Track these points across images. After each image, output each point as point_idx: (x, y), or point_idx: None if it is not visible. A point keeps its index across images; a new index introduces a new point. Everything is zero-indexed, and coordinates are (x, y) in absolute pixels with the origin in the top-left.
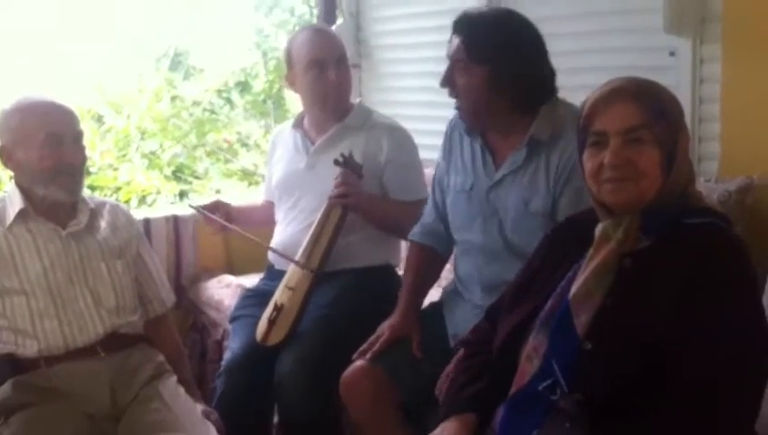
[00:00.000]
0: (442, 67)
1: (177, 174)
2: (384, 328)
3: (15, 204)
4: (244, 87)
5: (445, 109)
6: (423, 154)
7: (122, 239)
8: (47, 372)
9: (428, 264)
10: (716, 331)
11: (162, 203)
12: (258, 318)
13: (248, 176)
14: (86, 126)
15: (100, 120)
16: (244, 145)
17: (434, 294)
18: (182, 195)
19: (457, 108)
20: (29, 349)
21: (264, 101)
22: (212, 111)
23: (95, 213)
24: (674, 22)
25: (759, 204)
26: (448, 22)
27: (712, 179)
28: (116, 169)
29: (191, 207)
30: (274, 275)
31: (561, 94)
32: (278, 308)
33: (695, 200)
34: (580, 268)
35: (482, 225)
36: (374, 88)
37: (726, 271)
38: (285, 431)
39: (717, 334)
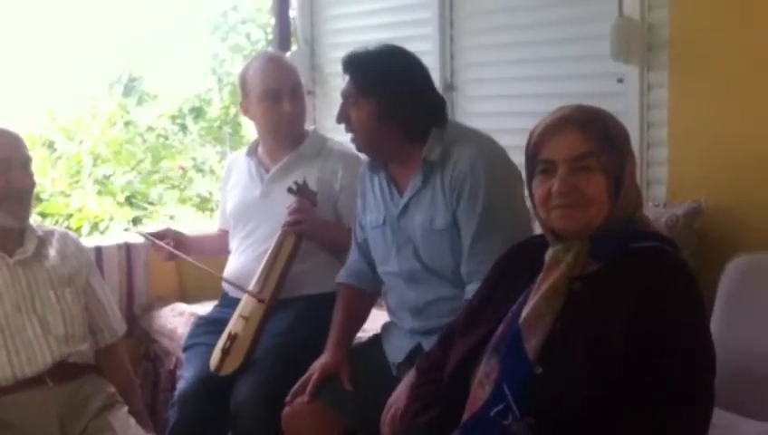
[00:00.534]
0: None
1: (131, 200)
2: (314, 368)
3: None
4: (198, 113)
5: None
6: None
7: (72, 268)
8: None
9: (356, 303)
10: (664, 354)
11: (115, 230)
12: (212, 346)
13: (203, 203)
14: (37, 153)
15: (51, 146)
16: (200, 171)
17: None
18: (135, 221)
19: (352, 141)
20: None
21: (220, 127)
22: (166, 138)
23: (43, 241)
24: (621, 49)
25: (706, 228)
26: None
27: (660, 204)
28: (68, 196)
29: (139, 234)
30: (229, 303)
31: (512, 121)
32: (232, 338)
33: (642, 225)
34: (531, 292)
35: (398, 254)
36: (329, 115)
37: (672, 295)
38: None
39: (665, 357)
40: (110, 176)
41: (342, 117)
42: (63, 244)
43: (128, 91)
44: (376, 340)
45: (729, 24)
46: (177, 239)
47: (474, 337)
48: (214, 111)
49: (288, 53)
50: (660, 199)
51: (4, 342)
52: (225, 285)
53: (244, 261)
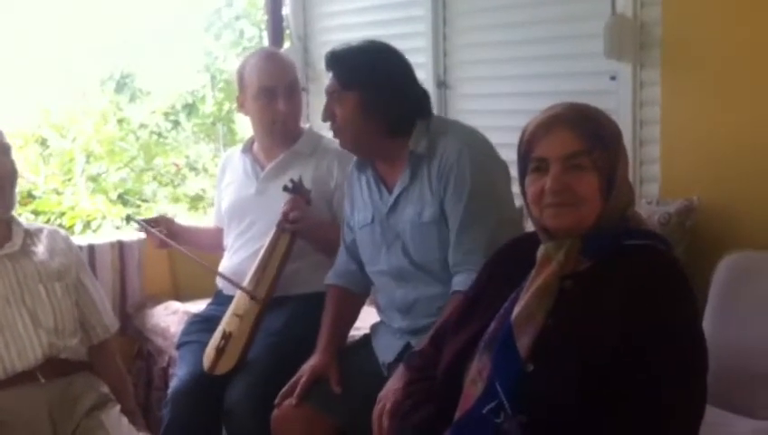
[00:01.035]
0: None
1: (124, 198)
2: (304, 370)
3: None
4: (191, 110)
5: None
6: None
7: (61, 264)
8: None
9: (344, 304)
10: (656, 352)
11: (107, 228)
12: (205, 344)
13: (196, 201)
14: (29, 150)
15: (44, 143)
16: (193, 169)
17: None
18: (128, 220)
19: (337, 137)
20: None
21: (213, 124)
22: (159, 135)
23: (30, 235)
24: (614, 47)
25: (699, 226)
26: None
27: (653, 202)
28: (60, 194)
29: (132, 219)
30: (222, 300)
31: (505, 119)
32: (226, 336)
33: (634, 223)
34: (523, 290)
35: (387, 252)
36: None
37: (665, 292)
38: None
39: (657, 355)
40: (102, 174)
41: (327, 114)
42: (52, 240)
43: (120, 88)
44: (365, 340)
45: (721, 21)
46: (169, 228)
47: (466, 334)
48: (207, 108)
49: (281, 50)
50: (653, 197)
51: None
52: (220, 283)
53: (239, 258)
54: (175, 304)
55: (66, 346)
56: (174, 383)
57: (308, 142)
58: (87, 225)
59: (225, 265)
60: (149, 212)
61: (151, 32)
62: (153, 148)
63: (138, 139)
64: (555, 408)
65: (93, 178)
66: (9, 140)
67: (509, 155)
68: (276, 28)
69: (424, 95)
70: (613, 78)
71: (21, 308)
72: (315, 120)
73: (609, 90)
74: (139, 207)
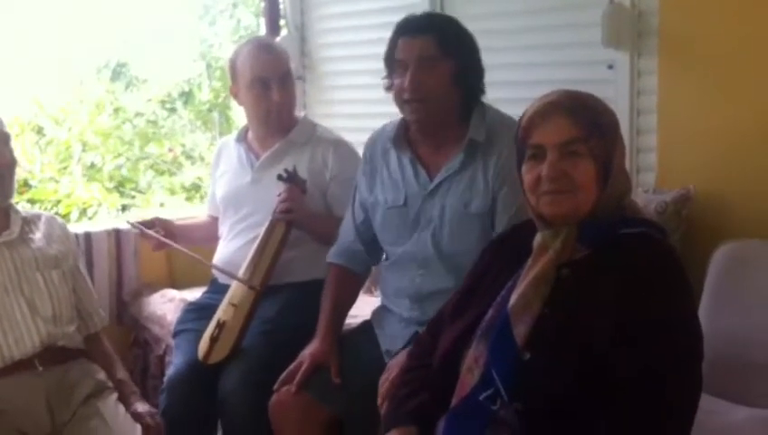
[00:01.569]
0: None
1: (120, 188)
2: (304, 356)
3: None
4: (188, 98)
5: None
6: None
7: (58, 251)
8: None
9: (346, 284)
10: (651, 340)
11: (103, 216)
12: (201, 332)
13: (192, 190)
14: (26, 138)
15: (40, 131)
16: (189, 157)
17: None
18: (124, 208)
19: (414, 111)
20: None
21: (210, 111)
22: (155, 123)
23: (28, 222)
24: (612, 36)
25: (695, 215)
26: None
27: (649, 190)
28: (57, 182)
29: (128, 223)
30: (218, 289)
31: (503, 108)
32: (220, 325)
33: (631, 211)
34: (520, 278)
35: (416, 237)
36: (319, 100)
37: (660, 281)
38: None
39: (653, 343)
40: (97, 163)
41: (416, 82)
42: (50, 227)
43: (116, 76)
44: (364, 327)
45: (719, 10)
46: (166, 228)
47: (463, 322)
48: (203, 96)
49: (278, 39)
50: (649, 186)
51: None
52: (215, 272)
53: (234, 247)
54: (171, 292)
55: (64, 333)
56: (170, 371)
57: (303, 131)
58: (83, 213)
59: (220, 253)
60: (145, 202)
61: (147, 19)
62: (149, 136)
63: (134, 127)
64: (551, 396)
65: (89, 168)
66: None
67: None
68: (273, 16)
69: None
70: (611, 67)
71: (18, 297)
72: (311, 109)
73: (607, 79)
74: (134, 197)
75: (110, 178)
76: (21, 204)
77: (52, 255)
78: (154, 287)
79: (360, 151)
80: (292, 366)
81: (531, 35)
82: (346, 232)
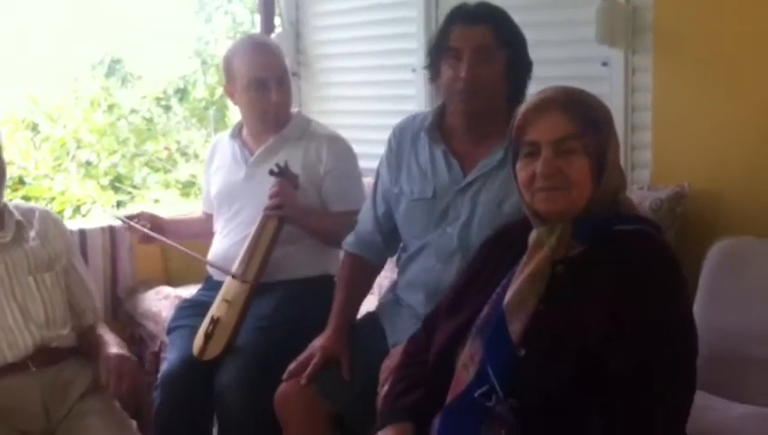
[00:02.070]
0: (382, 76)
1: (115, 184)
2: (315, 348)
3: None
4: (183, 94)
5: (384, 117)
6: (362, 163)
7: (52, 250)
8: None
9: (362, 275)
10: (646, 336)
11: (98, 213)
12: (196, 329)
13: (187, 187)
14: (21, 136)
15: (35, 128)
16: (184, 154)
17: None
18: (119, 205)
19: (466, 101)
20: None
21: (206, 108)
22: (150, 120)
23: (22, 224)
24: (606, 33)
25: (690, 212)
26: (388, 32)
27: (644, 187)
28: (52, 179)
29: (115, 217)
30: (213, 286)
31: None
32: (215, 322)
33: (626, 208)
34: (515, 275)
35: (442, 231)
36: (313, 97)
37: (655, 278)
38: None
39: (647, 339)
40: (92, 160)
41: (473, 72)
42: (44, 225)
43: (110, 73)
44: (369, 319)
45: (714, 7)
46: (153, 222)
47: (459, 319)
48: (199, 93)
49: (273, 35)
50: (644, 183)
51: None
52: (209, 268)
53: (228, 244)
54: (166, 289)
55: (58, 336)
56: (164, 367)
57: (297, 127)
58: (77, 210)
59: (214, 249)
60: (141, 199)
61: (143, 15)
62: (144, 133)
63: (129, 124)
64: (546, 392)
65: (84, 165)
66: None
67: None
68: (268, 13)
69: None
70: (605, 64)
71: (11, 302)
72: (306, 105)
73: (602, 76)
74: (129, 193)
75: (105, 175)
76: (15, 200)
77: (46, 256)
78: (149, 284)
79: (355, 147)
80: (302, 357)
81: (525, 32)
82: (364, 222)
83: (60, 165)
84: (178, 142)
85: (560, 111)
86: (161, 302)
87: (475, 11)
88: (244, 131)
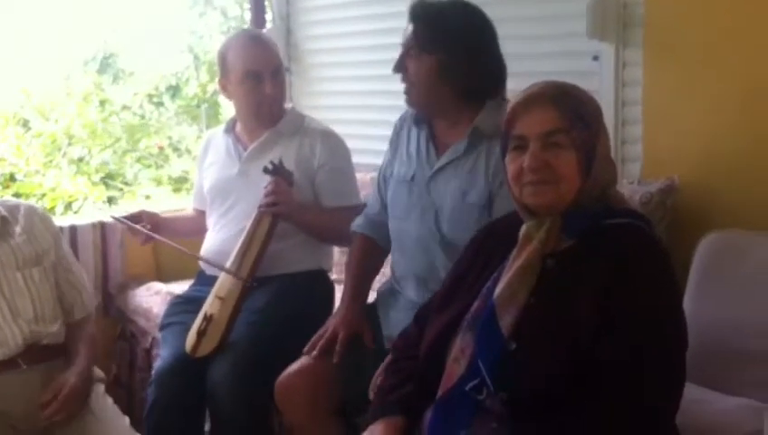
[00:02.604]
0: (374, 71)
1: (106, 180)
2: (336, 325)
3: None
4: (175, 91)
5: (376, 112)
6: (354, 158)
7: (39, 246)
8: None
9: (371, 255)
10: (636, 329)
11: (89, 210)
12: (188, 325)
13: (179, 182)
14: (11, 131)
15: (26, 124)
16: (176, 150)
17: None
18: (111, 201)
19: (406, 93)
20: None
21: (198, 105)
22: (142, 116)
23: (7, 220)
24: (597, 27)
25: (680, 205)
26: (380, 26)
27: (635, 181)
28: (43, 175)
29: (114, 218)
30: (205, 281)
31: None
32: (208, 319)
33: (616, 201)
34: (505, 269)
35: (419, 216)
36: (305, 92)
37: (645, 271)
38: None
39: (637, 332)
40: (84, 157)
41: (400, 67)
42: (30, 221)
43: (103, 69)
44: (369, 310)
45: (704, 2)
46: (153, 221)
47: (449, 313)
48: (191, 90)
49: (264, 30)
50: (635, 177)
51: None
52: (202, 263)
53: (221, 239)
54: (157, 285)
55: (48, 332)
56: (157, 364)
57: (291, 122)
58: (68, 206)
59: (207, 244)
60: (132, 195)
61: (136, 11)
62: (136, 129)
63: (121, 120)
64: (537, 385)
65: (76, 161)
66: None
67: None
68: (259, 7)
69: (501, 72)
70: (596, 58)
71: None
72: (297, 100)
73: (592, 70)
74: (121, 190)
75: (97, 172)
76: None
77: (33, 251)
78: (140, 280)
79: (347, 142)
80: (327, 334)
81: (515, 26)
82: (372, 204)
83: (51, 161)
84: (170, 138)
85: (548, 106)
86: (152, 298)
87: (412, 6)
88: (238, 127)
